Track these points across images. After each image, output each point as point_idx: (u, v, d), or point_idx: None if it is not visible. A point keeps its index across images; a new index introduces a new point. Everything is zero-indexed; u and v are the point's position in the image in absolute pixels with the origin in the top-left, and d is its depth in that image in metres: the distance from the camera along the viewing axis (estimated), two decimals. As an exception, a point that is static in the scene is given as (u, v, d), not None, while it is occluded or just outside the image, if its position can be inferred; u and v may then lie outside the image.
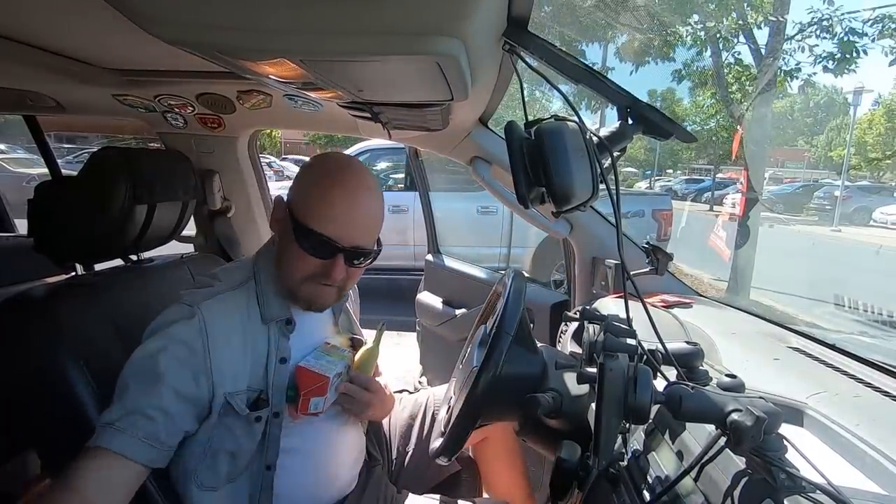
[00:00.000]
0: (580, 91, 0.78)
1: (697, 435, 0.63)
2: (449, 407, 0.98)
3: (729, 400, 0.50)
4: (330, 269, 0.77)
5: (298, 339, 0.83)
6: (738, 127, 5.73)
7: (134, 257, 1.10)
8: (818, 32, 5.07)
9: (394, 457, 1.11)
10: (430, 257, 2.12)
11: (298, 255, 0.77)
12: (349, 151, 4.86)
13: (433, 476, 1.10)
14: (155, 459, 0.70)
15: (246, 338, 0.78)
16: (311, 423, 0.85)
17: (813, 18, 5.08)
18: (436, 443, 0.85)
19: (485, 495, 1.19)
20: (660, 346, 0.66)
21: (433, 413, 1.12)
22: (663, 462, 0.64)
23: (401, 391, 1.24)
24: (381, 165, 5.14)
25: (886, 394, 0.74)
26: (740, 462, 0.53)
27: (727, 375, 0.58)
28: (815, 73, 5.35)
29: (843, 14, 4.98)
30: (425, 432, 1.11)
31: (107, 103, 1.33)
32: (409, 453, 1.10)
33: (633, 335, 0.65)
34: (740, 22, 5.37)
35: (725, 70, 5.81)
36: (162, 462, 0.71)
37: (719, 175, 17.62)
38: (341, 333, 0.97)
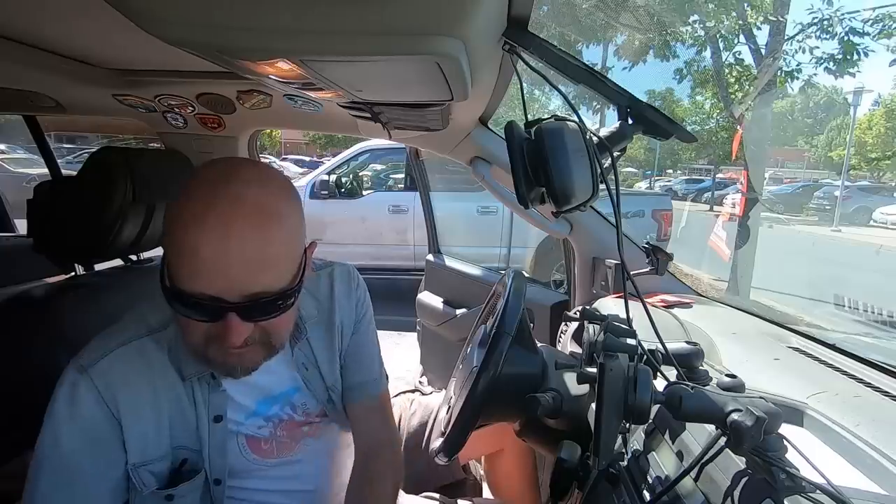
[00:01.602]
0: (580, 91, 0.78)
1: (697, 435, 0.63)
2: (449, 407, 0.98)
3: (729, 400, 0.50)
4: (224, 332, 0.55)
5: (238, 389, 0.68)
6: (738, 127, 5.73)
7: (133, 257, 1.10)
8: (819, 33, 5.07)
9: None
10: (430, 257, 2.12)
11: (182, 321, 0.57)
12: (348, 152, 4.87)
13: (435, 479, 1.10)
14: None
15: (158, 396, 0.63)
16: (301, 455, 0.76)
17: (813, 18, 5.08)
18: (436, 443, 0.85)
19: (485, 496, 1.19)
20: (660, 346, 0.66)
21: (433, 416, 1.12)
22: (663, 462, 0.64)
23: (413, 391, 1.23)
24: (381, 166, 5.14)
25: (886, 394, 0.74)
26: (740, 462, 0.53)
27: (727, 375, 0.58)
28: (816, 74, 5.35)
29: (843, 14, 4.98)
30: (424, 435, 1.11)
31: (107, 103, 1.33)
32: (416, 461, 1.09)
33: (633, 335, 0.65)
34: (740, 22, 5.37)
35: (725, 70, 5.82)
36: None
37: (719, 175, 17.63)
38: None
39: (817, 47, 5.10)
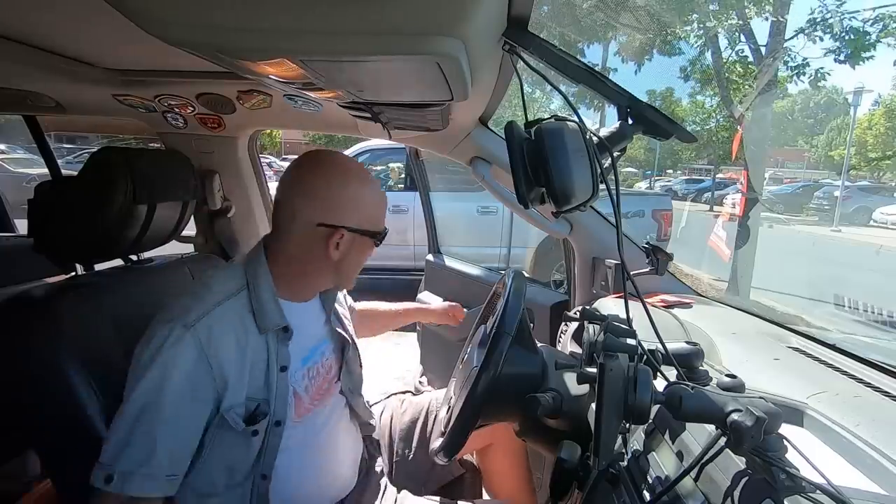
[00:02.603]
0: (580, 91, 0.78)
1: (697, 435, 0.63)
2: (449, 407, 0.98)
3: (729, 400, 0.50)
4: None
5: (294, 343, 0.83)
6: (738, 127, 5.73)
7: (134, 257, 1.10)
8: (819, 33, 5.07)
9: (395, 459, 1.11)
10: (430, 257, 2.12)
11: (368, 254, 0.87)
12: (348, 152, 4.87)
13: (434, 479, 1.10)
14: (173, 489, 0.71)
15: (243, 349, 0.76)
16: (310, 424, 0.86)
17: (813, 18, 5.08)
18: (436, 443, 0.85)
19: (486, 496, 1.19)
20: (660, 346, 0.66)
21: (434, 415, 1.12)
22: (663, 462, 0.64)
23: (403, 392, 1.24)
24: (381, 167, 5.14)
25: (886, 394, 0.74)
26: (740, 462, 0.53)
27: (727, 375, 0.58)
28: (818, 70, 5.34)
29: (843, 14, 4.98)
30: (427, 435, 1.11)
31: (107, 103, 1.33)
32: (411, 456, 1.10)
33: (633, 335, 0.65)
34: (740, 22, 5.37)
35: (726, 70, 5.82)
36: (175, 489, 0.72)
37: (719, 175, 17.62)
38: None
39: (821, 38, 5.08)
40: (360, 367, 1.02)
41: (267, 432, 0.79)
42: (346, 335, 0.97)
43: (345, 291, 1.07)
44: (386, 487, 1.00)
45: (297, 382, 0.84)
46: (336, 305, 0.98)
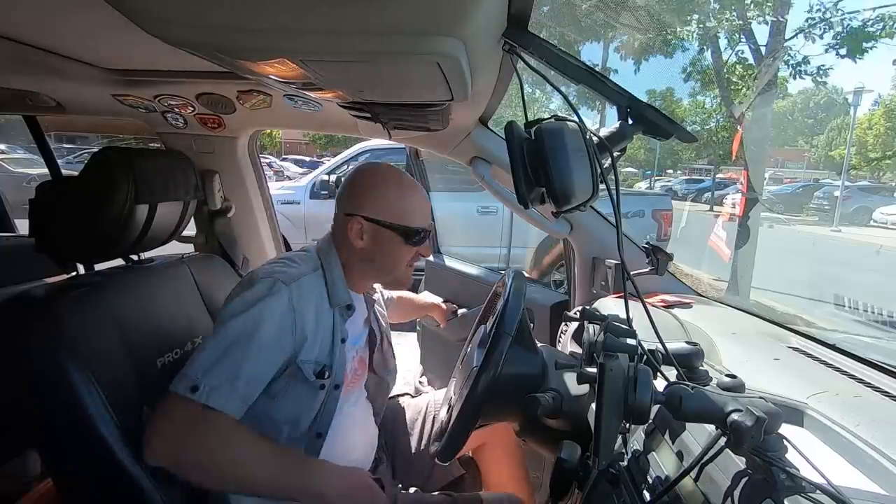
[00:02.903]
0: (580, 91, 0.78)
1: (697, 435, 0.63)
2: (449, 407, 0.98)
3: (729, 400, 0.50)
4: (423, 249, 0.97)
5: (350, 322, 0.95)
6: (739, 127, 5.73)
7: (134, 257, 1.10)
8: (819, 31, 5.07)
9: (396, 459, 1.11)
10: (430, 257, 2.12)
11: (402, 250, 0.94)
12: (349, 152, 4.87)
13: (435, 479, 1.10)
14: (241, 413, 0.78)
15: (319, 316, 0.87)
16: (352, 402, 0.97)
17: (812, 18, 5.08)
18: (436, 443, 0.85)
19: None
20: (660, 346, 0.66)
21: (434, 416, 1.12)
22: (663, 462, 0.64)
23: (402, 395, 1.25)
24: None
25: (886, 394, 0.74)
26: (740, 462, 0.53)
27: (727, 375, 0.58)
28: (819, 68, 5.33)
29: (843, 12, 4.98)
30: (426, 436, 1.11)
31: (107, 103, 1.33)
32: (411, 456, 1.10)
33: (633, 335, 0.65)
34: (740, 22, 5.37)
35: (726, 71, 5.82)
36: (242, 414, 0.79)
37: (719, 175, 17.61)
38: None
39: (820, 36, 5.08)
40: (392, 367, 1.10)
41: (327, 393, 0.88)
42: (379, 331, 1.06)
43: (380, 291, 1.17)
44: (391, 484, 1.01)
45: (347, 363, 0.93)
46: (376, 306, 1.08)
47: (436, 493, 1.01)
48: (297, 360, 0.84)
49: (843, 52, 5.00)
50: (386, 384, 1.09)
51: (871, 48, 4.92)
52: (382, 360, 1.07)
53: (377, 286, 1.12)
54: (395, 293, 1.34)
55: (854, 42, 4.89)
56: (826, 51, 5.13)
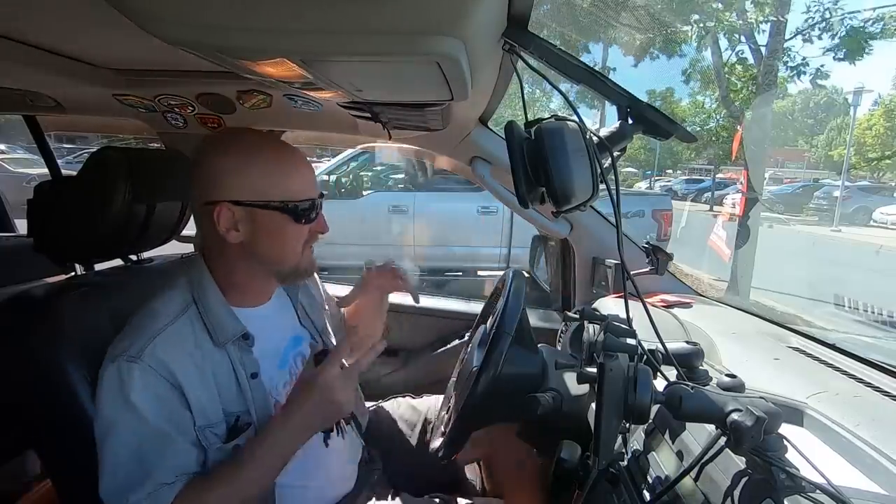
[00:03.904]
0: (580, 91, 0.78)
1: (697, 435, 0.63)
2: (449, 407, 0.98)
3: (729, 400, 0.50)
4: (319, 224, 0.80)
5: (261, 346, 0.79)
6: (738, 127, 5.73)
7: (134, 257, 1.10)
8: (817, 32, 5.07)
9: (393, 461, 1.11)
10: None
11: (292, 231, 0.76)
12: (349, 151, 4.87)
13: (433, 482, 1.09)
14: (189, 476, 0.69)
15: (202, 367, 0.72)
16: None
17: (811, 18, 5.09)
18: (436, 442, 0.85)
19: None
20: (660, 346, 0.66)
21: (433, 418, 1.11)
22: (663, 462, 0.64)
23: (403, 396, 1.24)
24: (381, 166, 5.14)
25: (886, 394, 0.74)
26: (740, 462, 0.53)
27: (727, 375, 0.58)
28: (818, 69, 5.35)
29: (843, 12, 4.98)
30: (426, 438, 1.10)
31: (107, 103, 1.32)
32: (409, 458, 1.09)
33: (633, 335, 0.65)
34: (740, 22, 5.38)
35: (726, 71, 5.82)
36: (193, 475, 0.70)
37: (719, 175, 17.62)
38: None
39: (820, 38, 5.09)
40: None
41: None
42: (312, 329, 0.92)
43: (320, 285, 1.03)
44: (383, 487, 1.00)
45: (277, 390, 0.81)
46: (303, 297, 0.93)
47: (424, 496, 1.00)
48: (195, 427, 0.70)
49: (840, 55, 5.01)
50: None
51: (869, 50, 4.93)
52: None
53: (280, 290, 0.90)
54: (343, 309, 1.12)
55: (852, 45, 4.90)
56: (824, 53, 5.14)
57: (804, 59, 5.33)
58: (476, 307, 1.53)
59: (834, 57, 5.08)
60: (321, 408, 0.70)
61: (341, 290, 1.61)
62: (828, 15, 5.01)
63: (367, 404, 1.18)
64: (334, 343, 0.97)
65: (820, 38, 5.11)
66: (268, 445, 0.70)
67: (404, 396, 1.24)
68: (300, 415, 0.70)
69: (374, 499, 0.96)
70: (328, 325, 0.99)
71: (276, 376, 0.81)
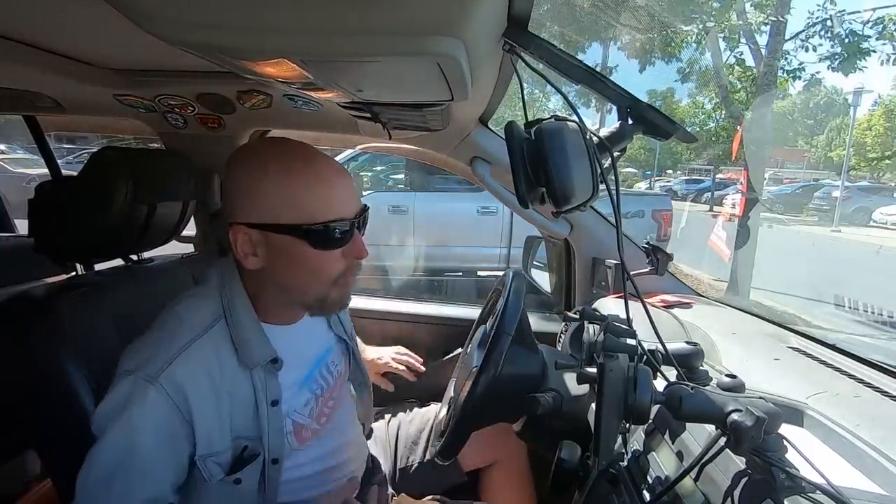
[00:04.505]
0: (580, 91, 0.78)
1: (697, 435, 0.63)
2: (449, 407, 0.98)
3: (729, 400, 0.50)
4: (354, 249, 0.70)
5: (286, 371, 0.73)
6: (738, 127, 5.74)
7: (134, 257, 1.10)
8: (820, 32, 5.08)
9: (399, 466, 1.10)
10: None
11: (316, 261, 0.68)
12: (349, 151, 4.87)
13: (436, 487, 1.09)
14: None
15: (219, 390, 0.67)
16: (316, 445, 0.81)
17: (815, 18, 5.09)
18: (436, 444, 0.85)
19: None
20: (660, 347, 0.66)
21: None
22: (663, 462, 0.64)
23: (411, 400, 1.24)
24: (382, 167, 5.14)
25: (886, 394, 0.74)
26: (740, 462, 0.53)
27: (727, 375, 0.58)
28: (818, 73, 5.38)
29: (843, 15, 4.99)
30: (429, 444, 1.10)
31: (107, 103, 1.32)
32: (415, 464, 1.09)
33: (633, 335, 0.65)
34: (740, 22, 5.38)
35: (726, 70, 5.83)
36: None
37: (719, 175, 17.62)
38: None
39: (820, 44, 5.11)
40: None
41: (264, 474, 0.72)
42: (342, 333, 0.92)
43: None
44: (386, 493, 1.00)
45: (297, 411, 0.78)
46: None
47: (429, 497, 1.00)
48: (195, 456, 0.66)
49: (835, 64, 5.02)
50: (367, 398, 1.00)
51: (862, 67, 4.95)
52: (359, 373, 0.95)
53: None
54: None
55: (849, 53, 4.91)
56: (819, 60, 5.16)
57: (801, 63, 5.36)
58: (475, 312, 1.51)
59: (829, 66, 5.10)
60: None
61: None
62: (828, 22, 5.02)
63: (378, 409, 1.18)
64: (357, 350, 0.96)
65: (815, 48, 5.14)
66: None
67: (410, 402, 1.23)
68: None
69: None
70: (348, 326, 0.96)
71: (296, 396, 0.77)
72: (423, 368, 1.20)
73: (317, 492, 0.81)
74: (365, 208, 0.74)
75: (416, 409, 1.20)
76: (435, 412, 1.17)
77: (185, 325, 0.68)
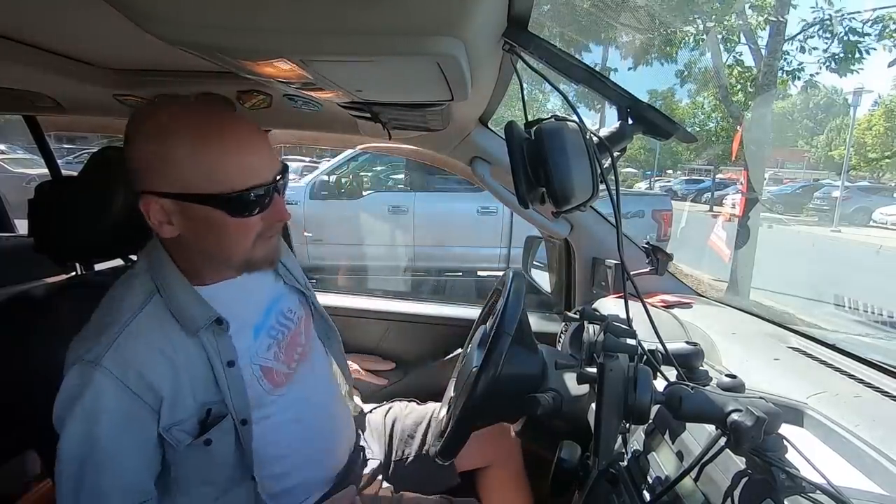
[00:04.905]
0: (580, 91, 0.78)
1: (697, 435, 0.63)
2: (449, 407, 0.98)
3: (729, 400, 0.50)
4: (274, 213, 0.69)
5: (236, 325, 0.73)
6: (738, 127, 5.74)
7: (134, 257, 1.10)
8: (820, 32, 5.08)
9: (395, 460, 1.11)
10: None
11: (236, 228, 0.66)
12: (349, 151, 4.88)
13: (432, 484, 1.09)
14: None
15: (173, 360, 0.67)
16: (297, 391, 0.81)
17: (815, 18, 5.09)
18: (436, 443, 0.85)
19: None
20: (660, 347, 0.66)
21: (434, 424, 1.11)
22: (663, 462, 0.64)
23: (409, 400, 1.24)
24: (382, 166, 5.14)
25: (886, 394, 0.74)
26: (740, 462, 0.53)
27: (727, 375, 0.58)
28: (817, 73, 5.38)
29: (843, 14, 4.99)
30: (427, 442, 1.10)
31: (107, 103, 1.32)
32: (410, 459, 1.09)
33: (633, 335, 0.65)
34: (740, 22, 5.38)
35: (726, 70, 5.83)
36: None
37: (719, 175, 17.63)
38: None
39: (816, 48, 5.12)
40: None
41: (237, 435, 0.72)
42: (298, 285, 0.91)
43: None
44: (382, 486, 1.00)
45: (260, 354, 0.77)
46: (284, 260, 0.88)
47: (434, 496, 1.01)
48: (160, 428, 0.66)
49: (833, 65, 5.03)
50: (337, 347, 1.00)
51: (859, 69, 4.96)
52: (323, 321, 0.95)
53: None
54: None
55: (851, 48, 4.91)
56: (818, 62, 5.17)
57: (801, 63, 5.36)
58: (476, 312, 1.51)
59: (828, 68, 5.11)
60: None
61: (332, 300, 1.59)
62: (828, 23, 5.02)
63: (368, 406, 1.18)
64: (314, 299, 0.95)
65: (813, 49, 5.15)
66: None
67: (409, 401, 1.23)
68: None
69: (368, 487, 0.95)
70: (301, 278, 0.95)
71: (256, 345, 0.77)
72: (393, 366, 1.24)
73: (302, 462, 0.82)
74: (284, 168, 0.71)
75: (411, 407, 1.20)
76: (433, 409, 1.17)
77: (122, 307, 0.68)
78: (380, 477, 1.03)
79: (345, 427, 0.96)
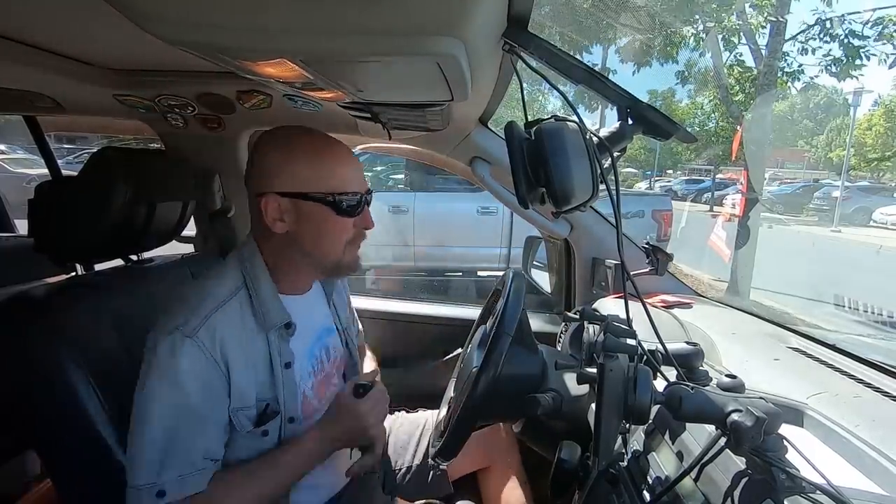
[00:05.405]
0: (580, 91, 0.78)
1: (697, 435, 0.63)
2: (449, 407, 0.98)
3: (729, 400, 0.50)
4: (364, 218, 0.83)
5: (297, 339, 0.83)
6: (738, 127, 5.74)
7: (134, 257, 1.10)
8: (820, 34, 5.08)
9: (390, 470, 1.10)
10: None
11: (336, 224, 0.79)
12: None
13: (427, 492, 1.09)
14: (218, 467, 0.74)
15: (246, 350, 0.75)
16: (316, 416, 0.87)
17: (815, 19, 5.09)
18: (435, 444, 0.85)
19: None
20: (660, 347, 0.66)
21: (430, 431, 1.11)
22: (663, 462, 0.64)
23: (400, 409, 1.23)
24: (382, 167, 5.14)
25: (886, 394, 0.74)
26: (740, 462, 0.53)
27: (727, 376, 0.58)
28: (817, 75, 5.38)
29: (843, 17, 4.99)
30: (422, 449, 1.10)
31: (107, 103, 1.32)
32: (404, 468, 1.09)
33: (633, 335, 0.65)
34: (740, 22, 5.38)
35: (726, 70, 5.83)
36: (220, 467, 0.75)
37: (719, 176, 17.62)
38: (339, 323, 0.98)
39: (819, 48, 5.12)
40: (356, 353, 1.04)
41: (281, 430, 0.79)
42: (338, 323, 0.97)
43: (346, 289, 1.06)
44: (380, 495, 1.00)
45: (305, 381, 0.85)
46: (335, 292, 0.98)
47: (434, 500, 1.00)
48: (229, 408, 0.74)
49: (833, 69, 5.03)
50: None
51: (859, 75, 4.96)
52: (352, 364, 1.01)
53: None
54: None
55: (852, 51, 4.91)
56: (818, 64, 5.17)
57: (800, 65, 5.36)
58: (475, 312, 1.50)
59: (827, 71, 5.11)
60: (354, 434, 0.82)
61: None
62: (828, 25, 5.02)
63: None
64: (353, 341, 1.02)
65: (813, 51, 5.15)
66: (298, 453, 0.78)
67: (399, 410, 1.23)
68: (334, 436, 0.80)
69: (368, 498, 0.95)
70: (345, 315, 1.02)
71: (304, 367, 0.85)
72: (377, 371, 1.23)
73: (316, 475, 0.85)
74: (370, 189, 0.86)
75: (405, 414, 1.20)
76: (425, 418, 1.17)
77: (214, 293, 0.76)
78: (378, 485, 1.03)
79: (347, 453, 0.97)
